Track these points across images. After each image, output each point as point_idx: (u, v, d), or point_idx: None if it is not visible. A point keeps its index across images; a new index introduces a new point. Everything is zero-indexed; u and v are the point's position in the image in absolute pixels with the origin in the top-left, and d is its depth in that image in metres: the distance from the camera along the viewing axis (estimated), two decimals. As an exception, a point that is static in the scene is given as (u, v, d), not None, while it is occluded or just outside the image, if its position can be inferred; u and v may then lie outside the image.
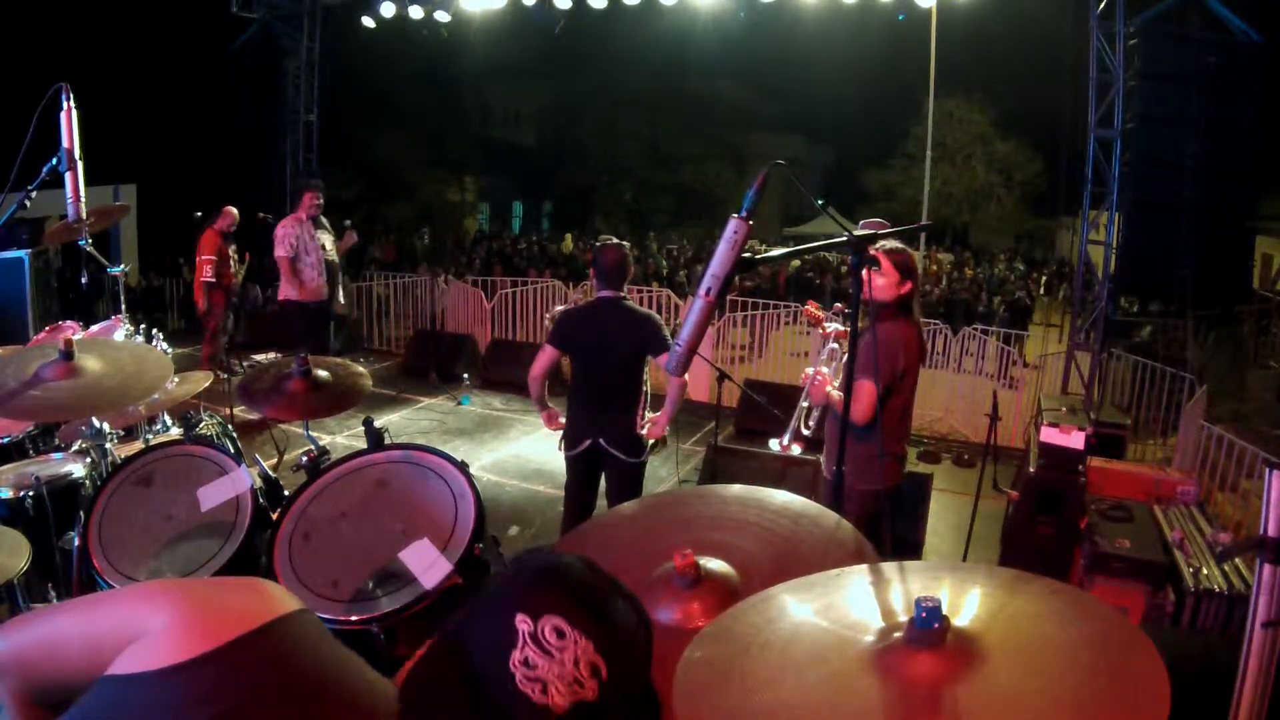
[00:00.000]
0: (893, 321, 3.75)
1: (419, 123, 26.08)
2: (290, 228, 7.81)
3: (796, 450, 4.02)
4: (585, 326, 4.50)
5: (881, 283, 3.71)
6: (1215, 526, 5.00)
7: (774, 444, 4.04)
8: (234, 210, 9.38)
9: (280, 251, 7.78)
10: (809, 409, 4.02)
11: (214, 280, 9.16)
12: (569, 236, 27.58)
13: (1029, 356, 10.54)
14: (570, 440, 4.60)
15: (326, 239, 8.02)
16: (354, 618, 2.13)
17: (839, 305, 4.65)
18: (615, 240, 4.60)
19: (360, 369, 3.34)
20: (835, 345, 4.03)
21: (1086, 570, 4.71)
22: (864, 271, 2.26)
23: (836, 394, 3.72)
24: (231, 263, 9.39)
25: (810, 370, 3.88)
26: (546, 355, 4.55)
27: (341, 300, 8.31)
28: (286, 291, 7.87)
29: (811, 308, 4.42)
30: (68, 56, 11.39)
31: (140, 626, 1.03)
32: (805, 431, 4.03)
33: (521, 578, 1.10)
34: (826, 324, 4.22)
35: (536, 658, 1.01)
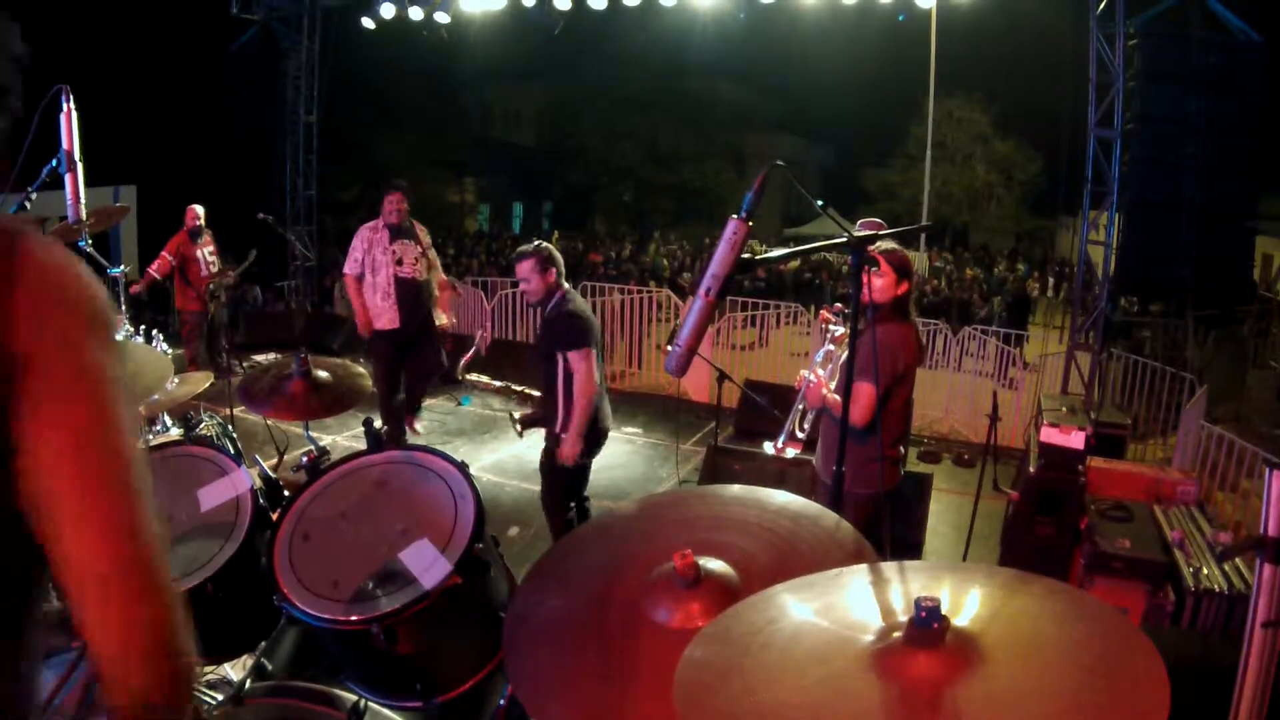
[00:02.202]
0: (891, 323, 3.75)
1: (419, 123, 26.14)
2: (361, 237, 6.64)
3: (792, 453, 4.02)
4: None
5: (880, 284, 3.72)
6: (1215, 526, 5.00)
7: (769, 446, 4.05)
8: (196, 207, 8.99)
9: (345, 268, 6.74)
10: (804, 411, 4.03)
11: (157, 276, 8.82)
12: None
13: (1029, 357, 10.54)
14: (599, 442, 4.71)
15: (409, 251, 6.67)
16: (354, 617, 2.13)
17: (839, 305, 4.66)
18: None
19: (360, 369, 3.34)
20: (831, 347, 4.03)
21: (1086, 570, 4.71)
22: (864, 272, 2.26)
23: (833, 396, 3.73)
24: (204, 265, 8.98)
25: (805, 373, 3.89)
26: (593, 359, 4.49)
27: (446, 319, 7.11)
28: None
29: (827, 312, 4.42)
30: (68, 58, 11.39)
31: None
32: (800, 434, 4.04)
33: None
34: (834, 328, 4.22)
35: None
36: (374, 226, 6.63)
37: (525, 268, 4.52)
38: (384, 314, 6.60)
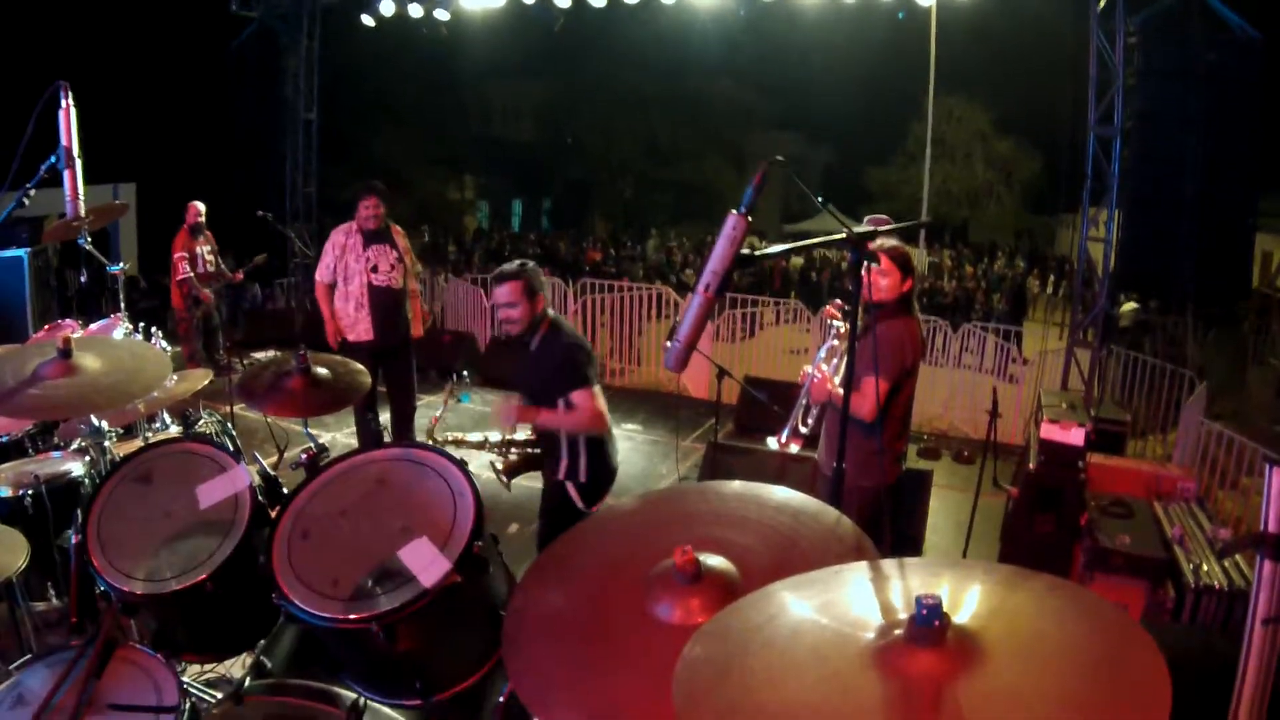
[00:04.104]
0: (897, 318, 3.76)
1: (418, 121, 26.14)
2: (333, 243, 6.18)
3: (795, 448, 3.99)
4: None
5: (885, 283, 3.73)
6: (1215, 523, 5.00)
7: (771, 441, 4.00)
8: (197, 204, 8.92)
9: (317, 275, 6.27)
10: (807, 406, 4.01)
11: (189, 276, 8.74)
12: (564, 239, 27.57)
13: (1028, 353, 10.54)
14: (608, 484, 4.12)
15: (385, 258, 6.14)
16: (353, 616, 2.12)
17: (839, 301, 4.64)
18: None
19: (360, 366, 3.34)
20: (835, 342, 4.01)
21: (1086, 566, 4.71)
22: (864, 268, 2.26)
23: (840, 391, 3.71)
24: (201, 263, 8.91)
25: (809, 368, 3.86)
26: (599, 395, 3.86)
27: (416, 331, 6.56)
28: (339, 324, 6.25)
29: (832, 308, 4.39)
30: (67, 54, 11.40)
31: None
32: (803, 429, 4.01)
33: None
34: (838, 323, 4.20)
35: None
36: (347, 230, 6.14)
37: (509, 291, 3.77)
38: (357, 325, 6.12)
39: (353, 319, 6.11)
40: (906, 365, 3.75)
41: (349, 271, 6.07)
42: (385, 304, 6.14)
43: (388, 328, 6.18)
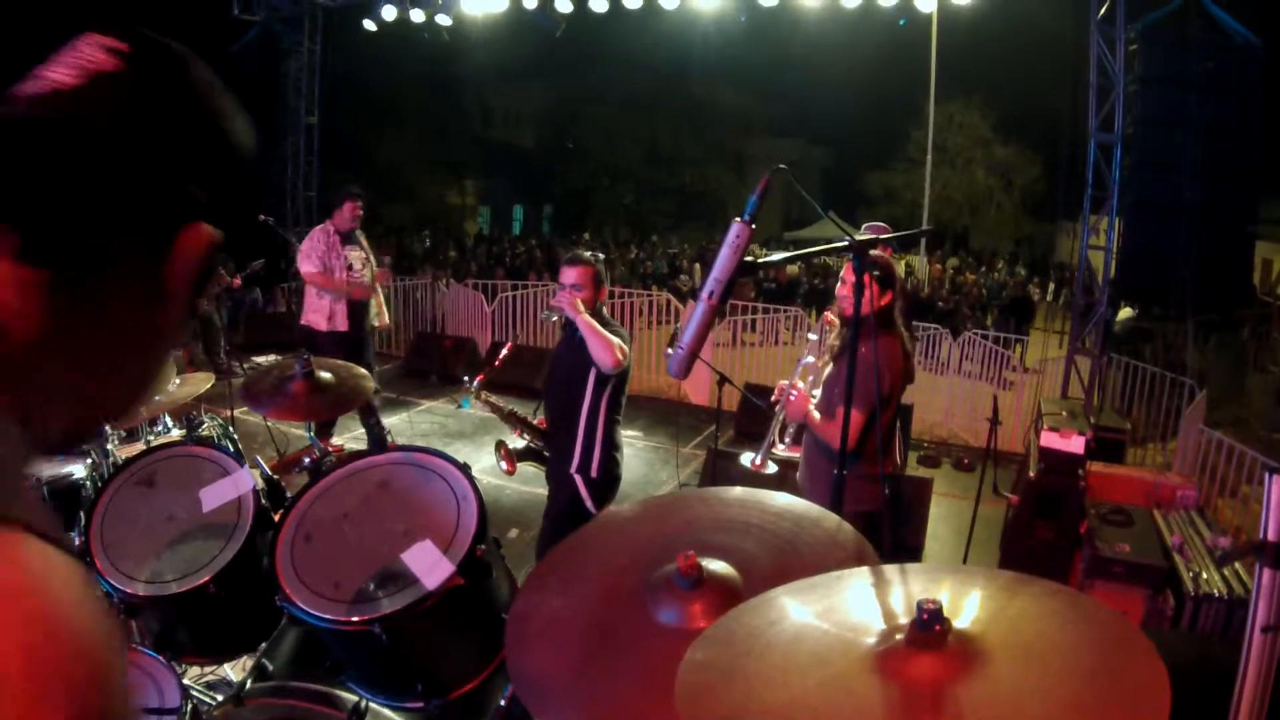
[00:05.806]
0: (875, 339, 3.60)
1: (420, 125, 26.15)
2: (316, 240, 6.56)
3: (772, 468, 3.72)
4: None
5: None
6: (1215, 531, 5.00)
7: (745, 460, 3.78)
8: None
9: (308, 266, 6.54)
10: (784, 424, 3.79)
11: None
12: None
13: (1029, 361, 10.54)
14: (613, 489, 4.09)
15: (356, 257, 6.66)
16: (355, 618, 2.13)
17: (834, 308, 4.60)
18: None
19: (362, 370, 3.35)
20: (811, 359, 3.83)
21: (1086, 574, 4.71)
22: (866, 276, 2.27)
23: (815, 414, 3.57)
24: None
25: (784, 383, 3.68)
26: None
27: (376, 323, 7.01)
28: (310, 316, 6.65)
29: (830, 315, 4.30)
30: (69, 58, 11.38)
31: None
32: (781, 448, 3.80)
33: None
34: (811, 335, 4.10)
35: None
36: (325, 230, 6.59)
37: (580, 274, 3.82)
38: (335, 315, 6.60)
39: (329, 310, 6.60)
40: (883, 392, 3.47)
41: (330, 268, 6.57)
42: (359, 299, 6.69)
43: (357, 322, 6.72)
